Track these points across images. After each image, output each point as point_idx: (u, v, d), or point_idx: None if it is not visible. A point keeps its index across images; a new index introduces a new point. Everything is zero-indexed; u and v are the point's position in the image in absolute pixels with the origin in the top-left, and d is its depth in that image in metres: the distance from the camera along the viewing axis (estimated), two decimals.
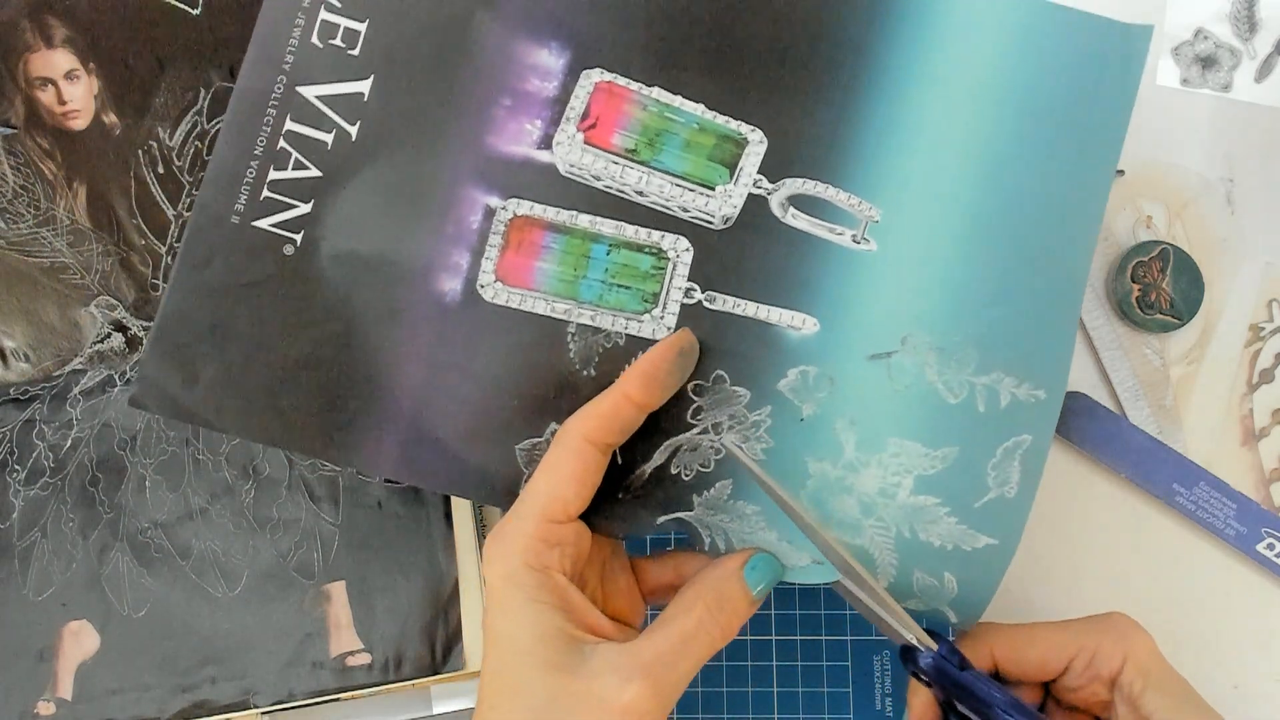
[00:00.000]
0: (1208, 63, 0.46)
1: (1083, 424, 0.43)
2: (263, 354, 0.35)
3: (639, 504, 0.36)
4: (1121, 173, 0.45)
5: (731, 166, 0.35)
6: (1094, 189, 0.36)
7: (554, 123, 0.35)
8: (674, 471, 0.36)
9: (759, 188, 0.35)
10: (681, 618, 0.32)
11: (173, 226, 0.43)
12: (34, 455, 0.44)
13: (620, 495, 0.36)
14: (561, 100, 0.35)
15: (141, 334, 0.44)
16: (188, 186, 0.43)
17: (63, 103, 0.43)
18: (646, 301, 0.35)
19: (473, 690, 0.43)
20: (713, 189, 0.35)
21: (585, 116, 0.35)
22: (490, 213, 0.35)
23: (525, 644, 0.31)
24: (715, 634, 0.32)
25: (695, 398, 0.35)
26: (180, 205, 0.43)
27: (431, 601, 0.42)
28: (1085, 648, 0.35)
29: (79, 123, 0.43)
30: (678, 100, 0.35)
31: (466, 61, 0.35)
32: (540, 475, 0.33)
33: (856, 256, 0.35)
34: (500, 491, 0.36)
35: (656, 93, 0.35)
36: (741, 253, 0.35)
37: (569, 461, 0.33)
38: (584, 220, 0.35)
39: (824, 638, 0.43)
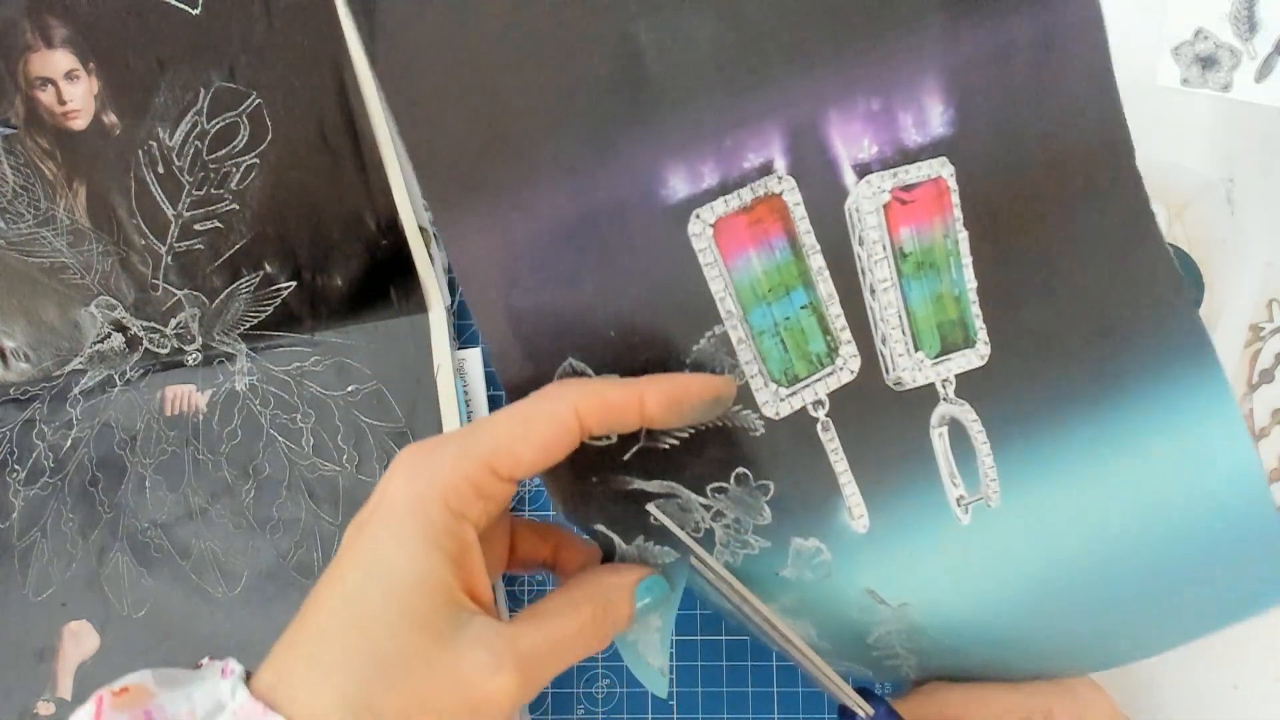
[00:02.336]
0: (1208, 63, 0.46)
1: None
2: (496, 52, 0.30)
3: (601, 501, 0.33)
4: None
5: (944, 349, 0.32)
6: (1140, 648, 0.37)
7: (885, 165, 0.31)
8: (649, 507, 0.33)
9: (943, 386, 0.33)
10: (568, 617, 0.30)
11: (173, 226, 0.43)
12: (34, 455, 0.44)
13: (593, 479, 0.33)
14: (909, 157, 0.31)
15: (141, 334, 0.44)
16: (188, 186, 0.43)
17: (63, 103, 0.43)
18: (786, 376, 0.32)
19: None
20: (915, 350, 0.32)
21: (907, 189, 0.31)
22: (766, 169, 0.31)
23: (401, 582, 0.28)
24: (593, 643, 0.30)
25: (730, 481, 0.33)
26: (180, 205, 0.43)
27: None
28: (1038, 709, 0.34)
29: (79, 123, 0.43)
30: (967, 260, 0.32)
31: (884, 42, 0.31)
32: (508, 418, 0.29)
33: (946, 514, 0.33)
34: (515, 377, 0.32)
35: (963, 236, 0.32)
36: (879, 418, 0.33)
37: (545, 425, 0.29)
38: (816, 261, 0.32)
39: None
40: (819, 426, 0.32)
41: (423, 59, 0.30)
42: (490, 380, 0.45)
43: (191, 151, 0.43)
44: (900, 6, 0.30)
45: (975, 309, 0.32)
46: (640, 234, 0.31)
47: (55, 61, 0.42)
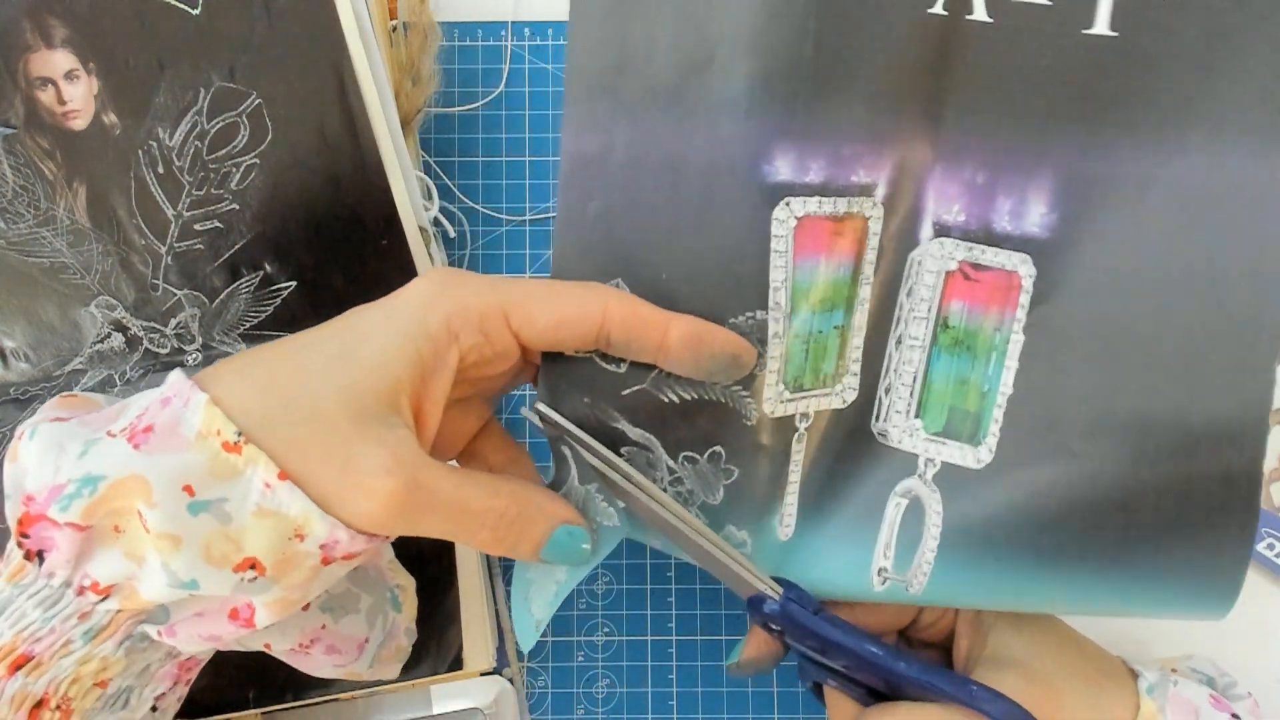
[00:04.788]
0: None
1: None
2: None
3: (584, 420, 0.33)
4: None
5: (946, 431, 0.33)
6: None
7: (965, 237, 0.32)
8: (622, 450, 0.33)
9: (924, 463, 0.33)
10: (482, 491, 0.30)
11: (173, 226, 0.43)
12: None
13: (585, 398, 0.33)
14: (991, 240, 0.32)
15: (141, 334, 0.44)
16: (188, 186, 0.43)
17: (63, 103, 0.43)
18: (793, 381, 0.33)
19: (473, 690, 0.43)
20: (915, 418, 0.33)
21: (977, 268, 0.32)
22: (864, 191, 0.32)
23: (362, 356, 0.28)
24: (484, 533, 0.30)
25: (702, 457, 0.34)
26: (180, 205, 0.43)
27: (431, 602, 0.42)
28: None
29: (79, 123, 0.43)
30: (1014, 366, 0.32)
31: (1018, 130, 0.31)
32: (540, 283, 0.31)
33: (863, 574, 0.34)
34: (568, 275, 0.33)
35: (1018, 340, 0.32)
36: (847, 460, 0.34)
37: (571, 303, 0.30)
38: (865, 290, 0.32)
39: None
40: (795, 436, 0.33)
41: None
42: None
43: (191, 151, 0.43)
44: (1036, 102, 0.30)
45: (997, 413, 0.32)
46: (727, 195, 0.31)
47: (55, 61, 0.42)
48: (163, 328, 0.44)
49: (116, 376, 0.44)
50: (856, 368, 0.33)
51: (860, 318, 0.33)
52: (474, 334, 0.29)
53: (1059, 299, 0.31)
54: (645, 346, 0.31)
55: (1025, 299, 0.32)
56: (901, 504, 0.33)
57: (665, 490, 0.34)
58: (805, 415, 0.33)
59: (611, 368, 0.33)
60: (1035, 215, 0.31)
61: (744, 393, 0.33)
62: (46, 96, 0.43)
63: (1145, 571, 0.32)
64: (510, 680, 0.43)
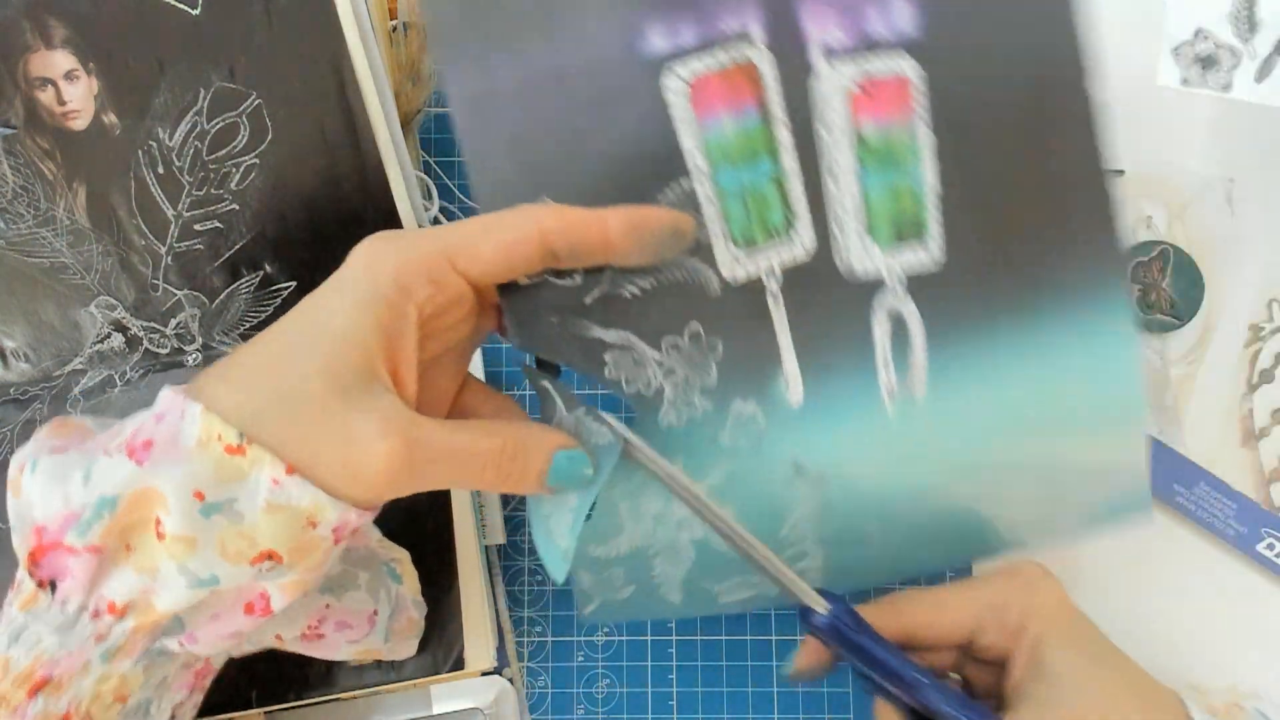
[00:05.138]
0: (1208, 63, 0.46)
1: None
2: None
3: (559, 340, 0.33)
4: (1121, 173, 0.45)
5: (897, 241, 0.34)
6: (1012, 542, 0.39)
7: (848, 52, 0.33)
8: (605, 358, 0.34)
9: (890, 278, 0.34)
10: (477, 436, 0.30)
11: (173, 227, 0.43)
12: None
13: (553, 319, 0.33)
14: (872, 47, 0.32)
15: (141, 334, 0.44)
16: (188, 186, 0.43)
17: (62, 103, 0.43)
18: (745, 239, 0.33)
19: (473, 690, 0.43)
20: (868, 238, 0.34)
21: (872, 80, 0.33)
22: (742, 37, 0.32)
23: (327, 333, 0.29)
24: (489, 475, 0.30)
25: (682, 336, 0.34)
26: (180, 205, 0.43)
27: (431, 601, 0.42)
28: (993, 604, 0.34)
29: (79, 123, 0.43)
30: (931, 162, 0.33)
31: None
32: (472, 221, 0.31)
33: (873, 398, 0.35)
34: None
35: (926, 137, 0.33)
36: (825, 298, 0.34)
37: (507, 229, 0.30)
38: (783, 134, 0.33)
39: None
40: (769, 297, 0.34)
41: None
42: (489, 379, 0.45)
43: (191, 151, 0.43)
44: None
45: (931, 209, 0.34)
46: (616, 84, 0.32)
47: (55, 61, 0.42)
48: (163, 328, 0.44)
49: (116, 376, 0.44)
50: (805, 212, 0.33)
51: (790, 161, 0.33)
52: (424, 285, 0.30)
53: (950, 91, 0.33)
54: (590, 248, 0.31)
55: (922, 98, 0.33)
56: (885, 322, 0.34)
57: (660, 381, 0.34)
58: (772, 273, 0.34)
59: (567, 282, 0.33)
60: (905, 16, 0.32)
61: (699, 263, 0.33)
62: (46, 96, 0.43)
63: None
64: (510, 680, 0.43)
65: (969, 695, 0.35)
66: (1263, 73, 0.46)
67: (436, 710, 0.43)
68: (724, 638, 0.44)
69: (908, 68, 0.33)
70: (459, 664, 0.42)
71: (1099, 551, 0.44)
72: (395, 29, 0.44)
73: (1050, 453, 0.36)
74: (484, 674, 0.43)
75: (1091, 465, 0.36)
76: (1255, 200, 0.45)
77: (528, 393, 0.46)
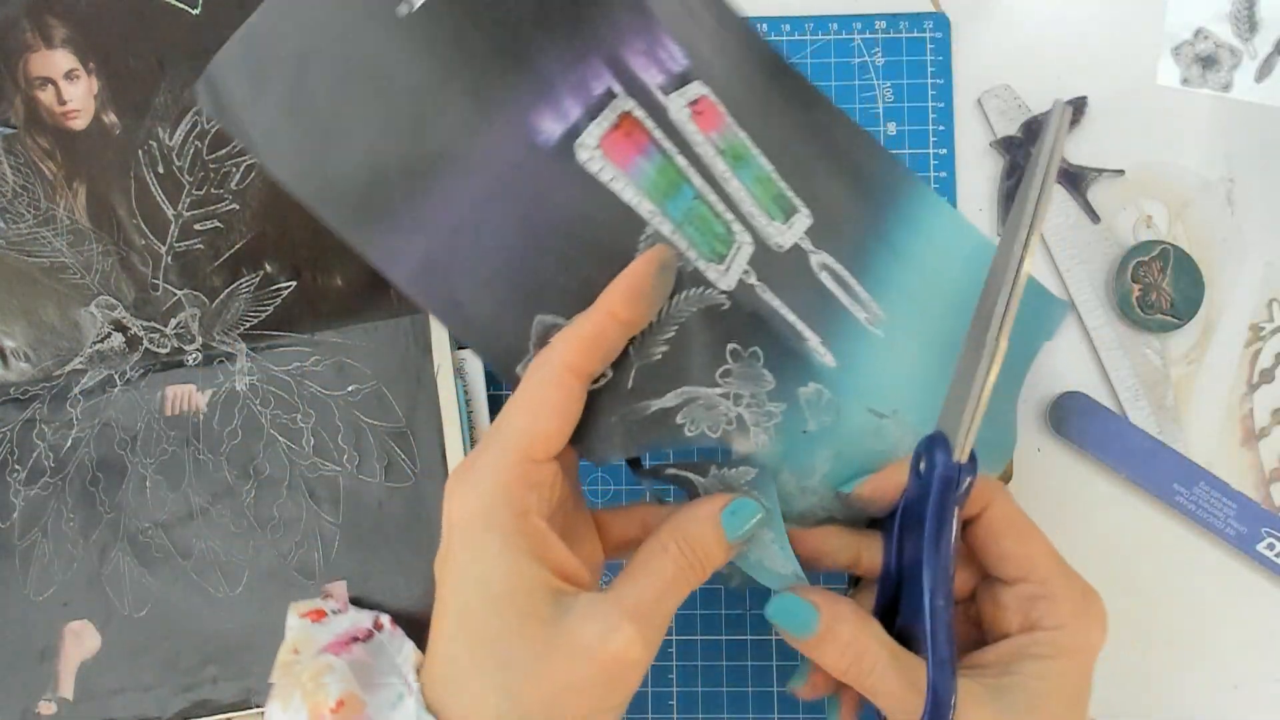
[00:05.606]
0: (1208, 63, 0.46)
1: (1083, 424, 0.43)
2: (337, 104, 0.34)
3: (630, 433, 0.34)
4: (1121, 172, 0.45)
5: (786, 215, 0.37)
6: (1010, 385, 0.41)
7: (672, 85, 0.36)
8: (679, 421, 0.35)
9: (804, 242, 0.37)
10: (658, 559, 0.31)
11: (173, 226, 0.43)
12: (34, 455, 0.44)
13: (613, 419, 0.34)
14: (681, 78, 0.36)
15: (142, 334, 0.44)
16: (188, 186, 0.43)
17: (62, 103, 0.43)
18: (715, 254, 0.35)
19: None
20: (773, 221, 0.37)
21: (694, 103, 0.36)
22: (610, 96, 0.34)
23: (500, 590, 0.29)
24: (691, 576, 0.31)
25: (729, 360, 0.35)
26: (180, 205, 0.43)
27: (432, 602, 0.42)
28: (1051, 594, 0.33)
29: (79, 123, 0.43)
30: (758, 150, 0.37)
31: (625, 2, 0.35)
32: (517, 408, 0.31)
33: (867, 331, 0.38)
34: (497, 353, 0.35)
35: (744, 135, 0.37)
36: (787, 275, 0.36)
37: (551, 393, 0.31)
38: (681, 160, 0.35)
39: None
40: (759, 290, 0.36)
41: (283, 129, 0.34)
42: (490, 379, 0.45)
43: (191, 151, 0.43)
44: None
45: (784, 185, 0.37)
46: (540, 183, 0.34)
47: (55, 61, 0.42)
48: (163, 327, 0.44)
49: (116, 376, 0.44)
50: (731, 215, 0.36)
51: (698, 180, 0.36)
52: (528, 495, 0.30)
53: (731, 91, 0.37)
54: (614, 344, 0.32)
55: (722, 107, 0.37)
56: (826, 274, 0.38)
57: (736, 410, 0.35)
58: (747, 271, 0.36)
59: (601, 383, 0.34)
60: (674, 54, 0.36)
61: (700, 289, 0.35)
62: (46, 96, 0.43)
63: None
64: None
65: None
66: (1263, 73, 0.46)
67: None
68: (724, 638, 0.44)
69: (701, 88, 0.36)
70: None
71: (1098, 550, 0.44)
72: None
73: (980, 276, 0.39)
74: None
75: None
76: (1255, 200, 0.45)
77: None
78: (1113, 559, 0.44)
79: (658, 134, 0.35)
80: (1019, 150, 0.45)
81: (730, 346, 0.35)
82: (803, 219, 0.38)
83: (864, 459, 0.37)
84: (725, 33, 0.39)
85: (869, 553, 0.36)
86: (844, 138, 0.41)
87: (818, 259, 0.38)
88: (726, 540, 0.32)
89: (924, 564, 0.32)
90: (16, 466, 0.44)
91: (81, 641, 0.43)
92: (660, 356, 0.34)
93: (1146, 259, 0.44)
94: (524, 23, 0.34)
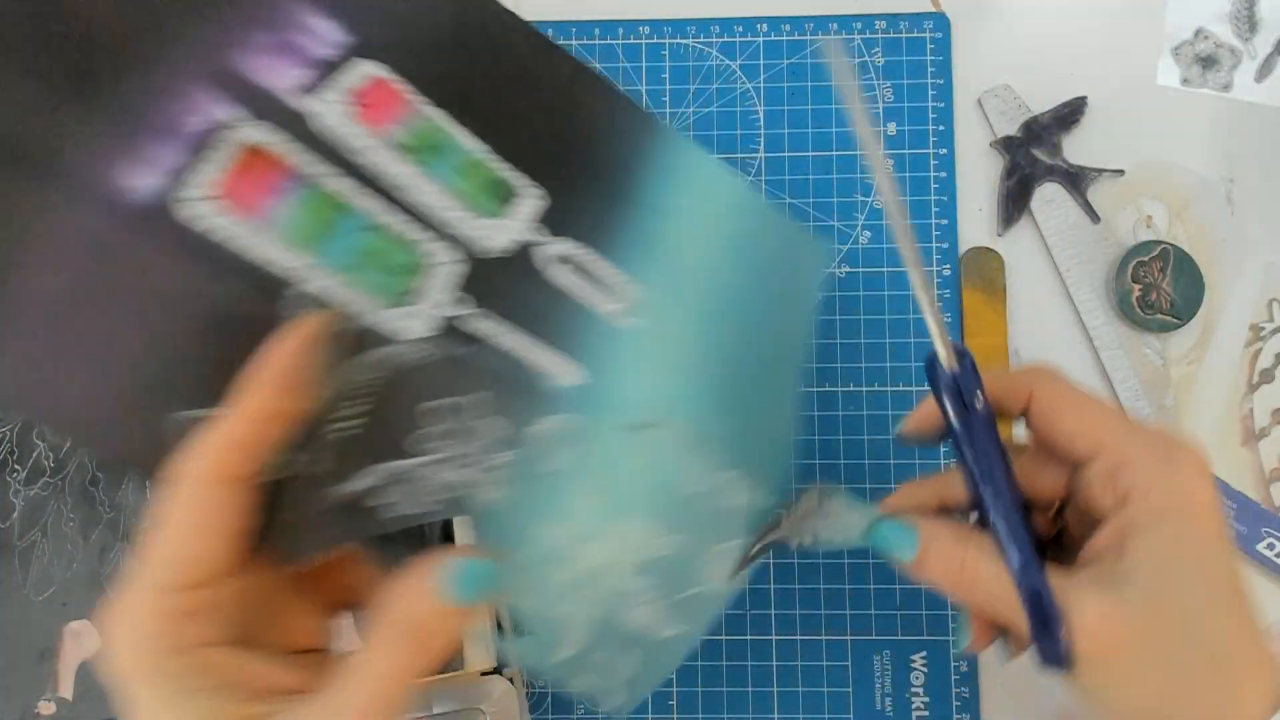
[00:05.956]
0: (1208, 63, 0.46)
1: None
2: None
3: (326, 526, 0.28)
4: (1121, 172, 0.45)
5: (503, 205, 0.32)
6: (795, 346, 0.39)
7: (320, 80, 0.30)
8: (378, 503, 0.29)
9: (530, 233, 0.33)
10: (377, 657, 0.26)
11: None
12: (34, 455, 0.44)
13: (305, 511, 0.29)
14: (332, 65, 0.30)
15: None
16: None
17: None
18: (397, 295, 0.30)
19: (473, 690, 0.43)
20: (480, 218, 0.32)
21: (357, 94, 0.31)
22: (220, 126, 0.28)
23: None
24: (420, 662, 0.26)
25: (431, 421, 0.30)
26: None
27: None
28: (1118, 451, 0.29)
29: None
30: (462, 130, 0.32)
31: None
32: (161, 532, 0.26)
33: (615, 328, 0.33)
34: (138, 462, 0.28)
35: (439, 114, 0.32)
36: (504, 284, 0.32)
37: (194, 512, 0.25)
38: (339, 184, 0.30)
39: (824, 638, 0.43)
40: (472, 319, 0.31)
41: None
42: None
43: None
44: None
45: (502, 165, 0.33)
46: (137, 255, 0.27)
47: None
48: None
49: None
50: (419, 232, 0.31)
51: (366, 202, 0.30)
52: (195, 623, 0.25)
53: (417, 66, 0.32)
54: (266, 440, 0.27)
55: (404, 85, 0.32)
56: (563, 269, 0.33)
57: (449, 476, 0.30)
58: (459, 300, 0.31)
59: (284, 473, 0.28)
60: (327, 30, 0.31)
61: (382, 351, 0.29)
62: None
63: None
64: (510, 680, 0.43)
65: (1049, 533, 0.32)
66: (1263, 73, 0.46)
67: (436, 710, 0.43)
68: (724, 638, 0.44)
69: (371, 68, 0.31)
70: (459, 664, 0.42)
71: None
72: None
73: (751, 237, 0.38)
74: (484, 674, 0.42)
75: (772, 242, 0.39)
76: (1255, 200, 0.45)
77: None
78: None
79: (296, 158, 0.29)
80: (1019, 150, 0.45)
81: (431, 405, 0.29)
82: (531, 201, 0.33)
83: (634, 484, 0.32)
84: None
85: (950, 490, 0.33)
86: (579, 89, 0.35)
87: (549, 251, 0.33)
88: (453, 608, 0.27)
89: (974, 480, 0.30)
90: (16, 466, 0.44)
91: (81, 641, 0.43)
92: (351, 433, 0.29)
93: (1146, 259, 0.44)
94: (80, 58, 0.27)
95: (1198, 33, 0.46)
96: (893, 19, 0.46)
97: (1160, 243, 0.44)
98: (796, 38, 0.46)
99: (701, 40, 0.46)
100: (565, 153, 0.35)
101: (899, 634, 0.43)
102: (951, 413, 0.30)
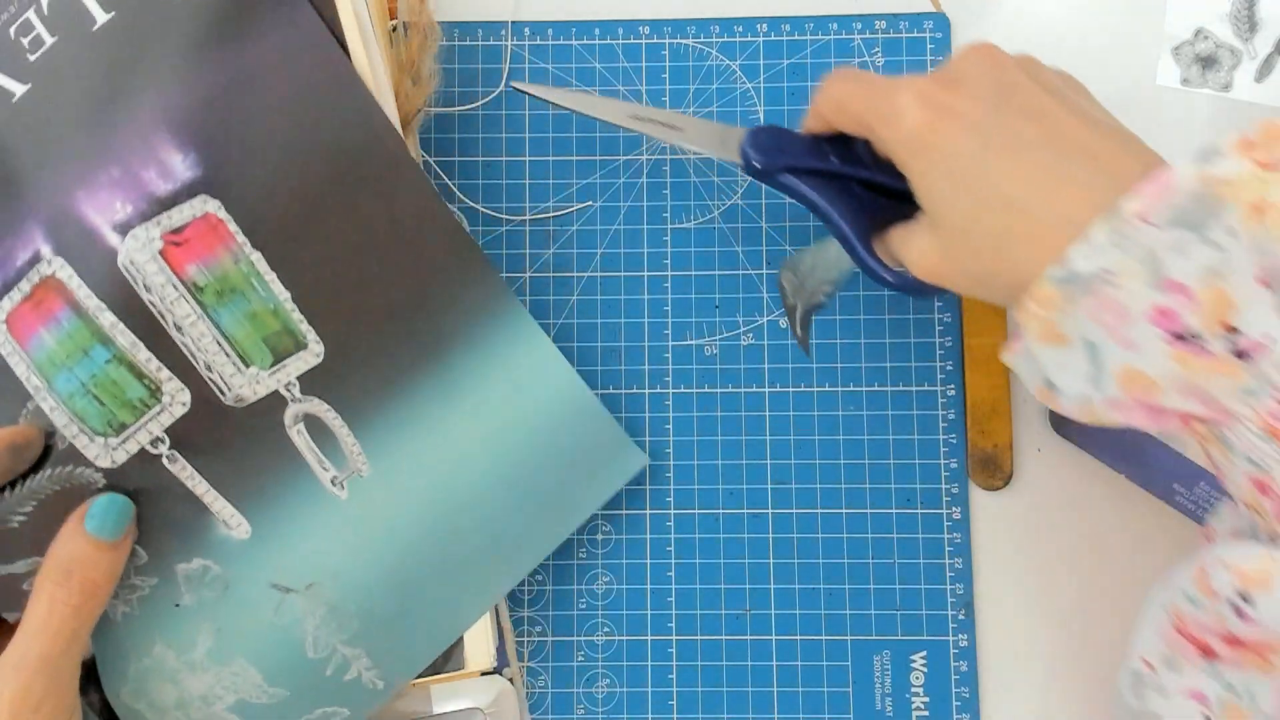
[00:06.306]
0: (1208, 63, 0.46)
1: (1083, 424, 0.43)
2: None
3: None
4: None
5: (278, 357, 0.35)
6: (533, 553, 0.39)
7: (144, 217, 0.34)
8: (25, 588, 0.34)
9: (288, 390, 0.36)
10: (33, 607, 0.31)
11: None
12: None
13: None
14: (166, 204, 0.35)
15: None
16: None
17: None
18: (110, 427, 0.35)
19: (473, 690, 0.43)
20: (247, 367, 0.35)
21: (177, 231, 0.34)
22: (35, 259, 0.35)
23: None
24: (76, 601, 0.32)
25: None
26: None
27: None
28: (855, 108, 0.34)
29: None
30: (271, 275, 0.35)
31: (109, 120, 0.35)
32: None
33: (324, 495, 0.37)
34: None
35: (256, 257, 0.35)
36: (230, 435, 0.36)
37: None
38: (107, 318, 0.34)
39: (824, 638, 0.43)
40: (165, 460, 0.35)
41: None
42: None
43: None
44: (106, 86, 0.34)
45: (297, 315, 0.35)
46: None
47: None
48: None
49: None
50: (167, 373, 0.35)
51: (126, 338, 0.34)
52: None
53: (251, 204, 0.35)
54: None
55: (232, 225, 0.35)
56: (301, 429, 0.36)
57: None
58: (158, 440, 0.35)
59: None
60: (179, 164, 0.34)
61: (70, 468, 0.35)
62: None
63: None
64: (510, 680, 0.43)
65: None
66: (1263, 73, 0.46)
67: (436, 710, 0.43)
68: (724, 638, 0.44)
69: (209, 205, 0.34)
70: (459, 664, 0.42)
71: (1100, 552, 0.44)
72: (395, 29, 0.44)
73: (514, 468, 0.38)
74: (484, 674, 0.42)
75: (557, 460, 0.38)
76: None
77: None
78: (1113, 559, 0.44)
79: (82, 293, 0.34)
80: None
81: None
82: (305, 358, 0.36)
83: (257, 634, 0.37)
84: (273, 125, 0.35)
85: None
86: (436, 255, 0.36)
87: (298, 409, 0.36)
88: (104, 542, 0.33)
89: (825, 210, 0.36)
90: None
91: None
92: (17, 525, 0.35)
93: None
94: None
95: (1198, 33, 0.46)
96: (893, 19, 0.46)
97: None
98: (796, 38, 0.46)
99: (701, 40, 0.46)
100: (371, 318, 0.36)
101: (899, 634, 0.43)
102: (784, 181, 0.36)
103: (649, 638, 0.44)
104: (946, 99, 0.31)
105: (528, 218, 0.46)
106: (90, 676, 0.37)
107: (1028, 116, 0.30)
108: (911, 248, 0.33)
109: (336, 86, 0.35)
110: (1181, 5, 0.46)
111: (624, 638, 0.44)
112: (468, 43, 0.47)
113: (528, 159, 0.46)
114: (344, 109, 0.35)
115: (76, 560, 0.32)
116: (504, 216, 0.46)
